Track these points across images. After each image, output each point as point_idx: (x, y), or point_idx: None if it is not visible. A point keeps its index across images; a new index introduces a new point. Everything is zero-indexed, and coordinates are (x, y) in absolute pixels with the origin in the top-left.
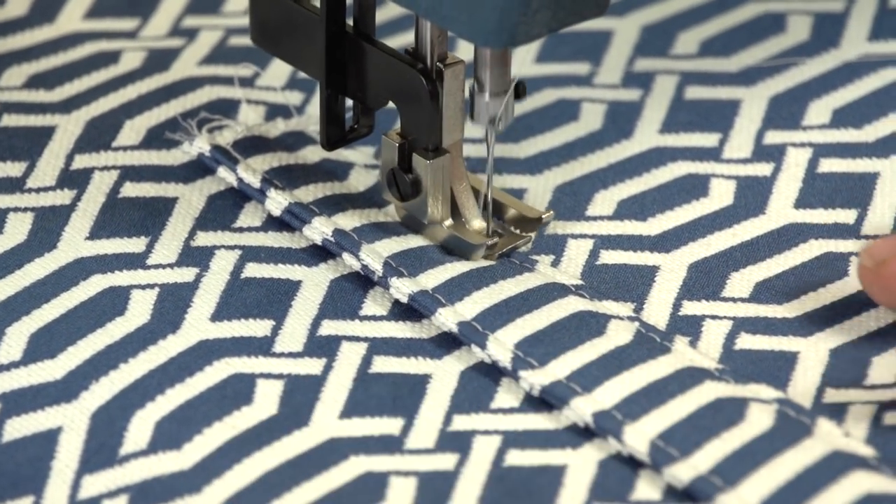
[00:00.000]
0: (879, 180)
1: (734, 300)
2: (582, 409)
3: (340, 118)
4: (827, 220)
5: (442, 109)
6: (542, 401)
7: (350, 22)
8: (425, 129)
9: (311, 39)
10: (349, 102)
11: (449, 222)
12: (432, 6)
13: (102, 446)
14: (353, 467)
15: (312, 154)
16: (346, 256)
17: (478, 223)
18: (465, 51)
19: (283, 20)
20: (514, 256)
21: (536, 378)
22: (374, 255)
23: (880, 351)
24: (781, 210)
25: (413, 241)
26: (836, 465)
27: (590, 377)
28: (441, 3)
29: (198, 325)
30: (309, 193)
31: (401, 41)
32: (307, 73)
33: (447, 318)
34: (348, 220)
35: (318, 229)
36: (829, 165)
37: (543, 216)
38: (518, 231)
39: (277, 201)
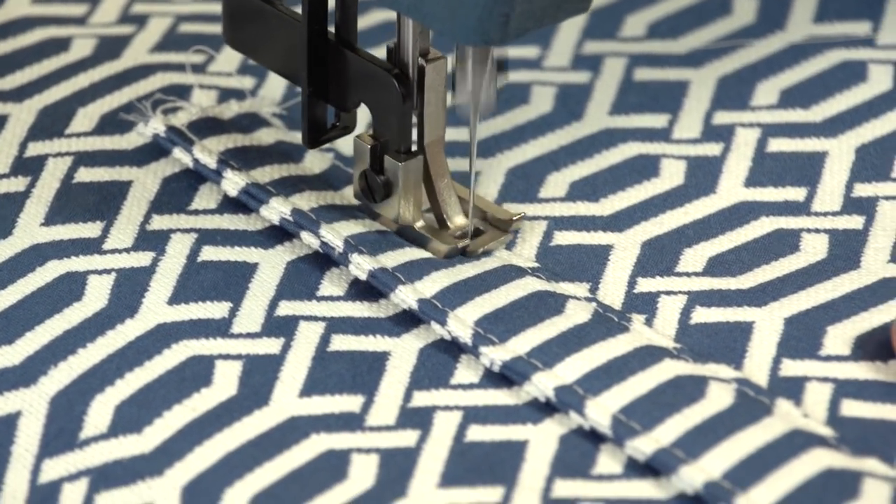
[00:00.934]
0: (828, 159)
1: (688, 275)
2: (543, 384)
3: (322, 120)
4: (777, 198)
5: (423, 106)
6: (502, 377)
7: (329, 27)
8: (397, 130)
9: (289, 44)
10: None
11: (420, 224)
12: (414, 4)
13: (62, 431)
14: (315, 445)
15: (267, 136)
16: (305, 235)
17: (460, 219)
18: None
19: (259, 24)
20: None
21: (497, 354)
22: (334, 232)
23: (834, 321)
24: (732, 189)
25: (371, 225)
26: (796, 442)
27: (550, 353)
28: (423, 1)
29: (155, 309)
30: (265, 174)
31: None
32: (283, 75)
33: (407, 295)
34: (305, 201)
35: (276, 209)
36: (777, 145)
37: (514, 218)
38: (497, 227)
39: (234, 182)
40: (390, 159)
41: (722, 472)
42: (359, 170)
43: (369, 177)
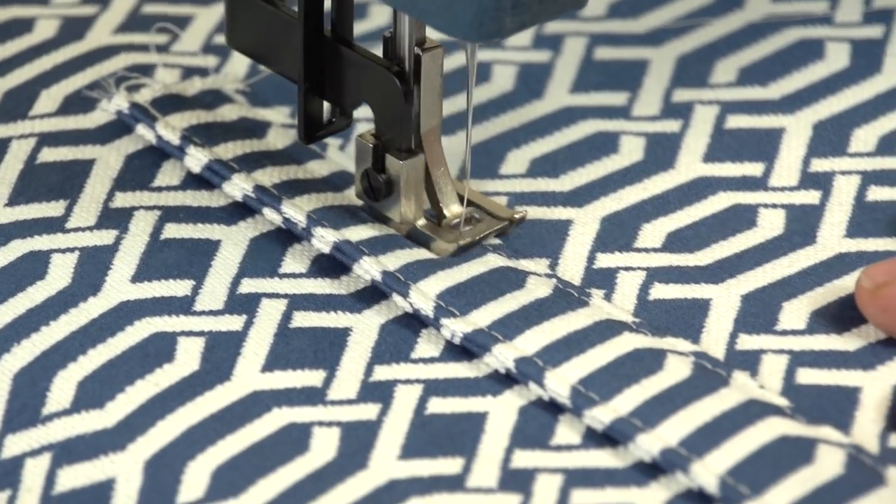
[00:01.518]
0: (785, 135)
1: (647, 251)
2: (504, 355)
3: (318, 118)
4: (735, 174)
5: (420, 94)
6: (462, 351)
7: (327, 25)
8: (399, 129)
9: (289, 42)
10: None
11: (422, 222)
12: (410, 0)
13: (25, 406)
14: (276, 419)
15: (230, 112)
16: (267, 211)
17: (455, 208)
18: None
19: (260, 24)
20: None
21: (458, 326)
22: (296, 208)
23: (790, 297)
24: (690, 164)
25: (334, 200)
26: (752, 411)
27: (511, 326)
28: None
29: (118, 287)
30: (228, 150)
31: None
32: (284, 75)
33: (371, 266)
34: (268, 177)
35: (239, 185)
36: (736, 122)
37: (516, 216)
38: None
39: (197, 158)
40: (392, 158)
41: (679, 439)
42: (360, 169)
43: (371, 176)
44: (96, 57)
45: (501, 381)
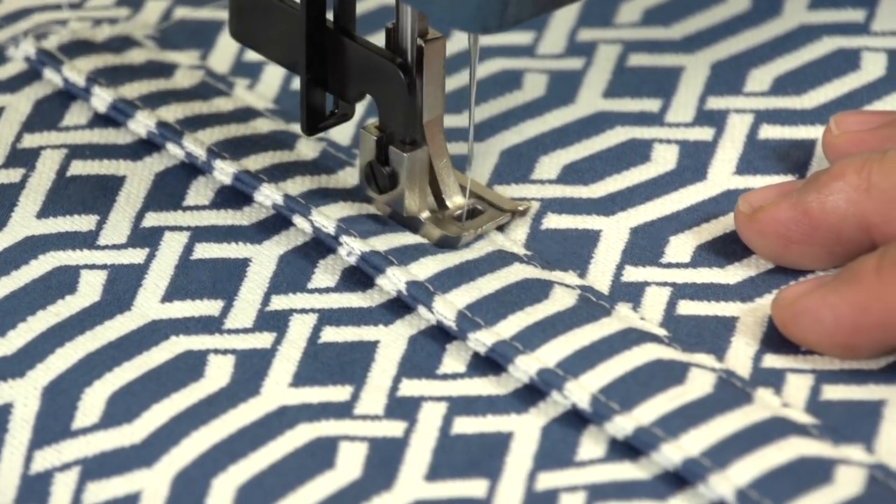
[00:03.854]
0: (684, 74)
1: (542, 182)
2: (397, 277)
3: (321, 109)
4: (633, 109)
5: (422, 85)
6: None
7: (329, 16)
8: (403, 121)
9: (290, 34)
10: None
11: (426, 214)
12: None
13: None
14: (173, 346)
15: (138, 56)
16: (171, 146)
17: (458, 199)
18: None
19: (263, 15)
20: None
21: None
22: (198, 143)
23: (677, 231)
24: (591, 99)
25: (237, 131)
26: (630, 337)
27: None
28: None
29: (24, 223)
30: (134, 90)
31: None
32: (286, 67)
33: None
34: (172, 113)
35: (143, 122)
36: (638, 60)
37: (520, 208)
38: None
39: (102, 98)
40: (395, 150)
41: (556, 361)
42: (364, 161)
43: (375, 168)
44: (10, 19)
45: (394, 310)
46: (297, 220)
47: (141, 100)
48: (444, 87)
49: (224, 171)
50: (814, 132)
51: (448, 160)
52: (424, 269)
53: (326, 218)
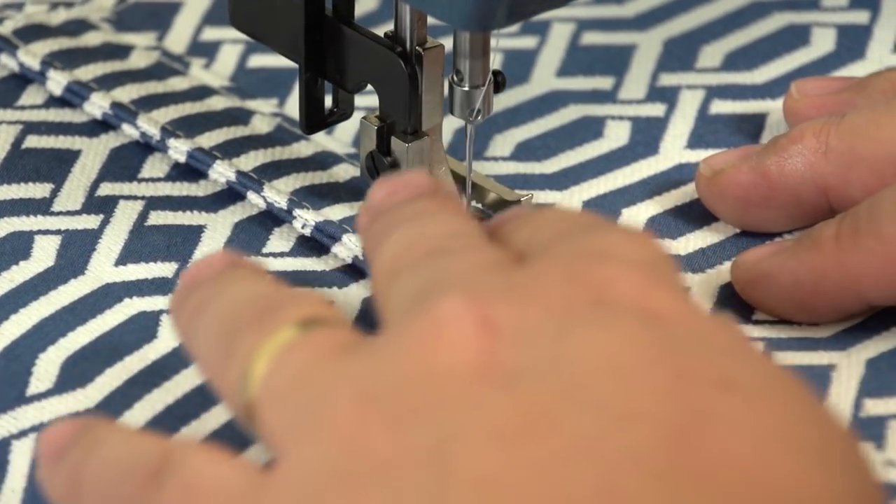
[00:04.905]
0: (636, 51)
1: (495, 160)
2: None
3: (320, 102)
4: (586, 87)
5: (421, 93)
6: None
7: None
8: (404, 111)
9: (290, 23)
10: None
11: None
12: None
13: None
14: (127, 308)
15: (94, 38)
16: (126, 126)
17: None
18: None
19: (262, 4)
20: None
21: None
22: (152, 122)
23: (629, 205)
24: (545, 79)
25: (192, 109)
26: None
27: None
28: None
29: None
30: (89, 72)
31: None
32: (286, 56)
33: (224, 169)
34: (127, 94)
35: (97, 103)
36: (591, 38)
37: (522, 199)
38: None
39: (57, 80)
40: (397, 140)
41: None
42: (365, 152)
43: (376, 158)
44: None
45: (351, 274)
46: (251, 195)
47: (96, 81)
48: (443, 96)
49: (178, 150)
50: (764, 106)
51: (447, 168)
52: None
53: (278, 193)
